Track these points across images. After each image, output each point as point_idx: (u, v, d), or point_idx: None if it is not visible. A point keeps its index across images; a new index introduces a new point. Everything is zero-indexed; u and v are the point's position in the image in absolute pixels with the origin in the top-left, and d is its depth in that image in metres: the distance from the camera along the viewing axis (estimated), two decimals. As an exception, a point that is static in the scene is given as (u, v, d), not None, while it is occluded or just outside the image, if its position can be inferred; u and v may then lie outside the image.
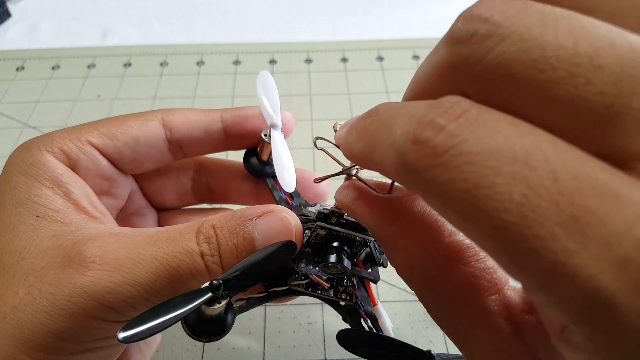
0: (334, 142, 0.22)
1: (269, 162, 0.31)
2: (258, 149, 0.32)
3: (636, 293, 0.10)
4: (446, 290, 0.18)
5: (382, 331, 0.27)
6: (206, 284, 0.20)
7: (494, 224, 0.11)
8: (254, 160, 0.32)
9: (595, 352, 0.11)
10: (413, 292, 0.20)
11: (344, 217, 0.24)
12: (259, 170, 0.32)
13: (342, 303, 0.27)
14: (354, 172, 0.24)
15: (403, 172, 0.14)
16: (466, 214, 0.12)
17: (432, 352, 0.23)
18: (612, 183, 0.11)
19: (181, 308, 0.19)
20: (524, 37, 0.13)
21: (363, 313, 0.27)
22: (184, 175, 0.34)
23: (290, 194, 0.30)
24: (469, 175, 0.12)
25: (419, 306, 0.40)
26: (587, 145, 0.12)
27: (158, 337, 0.33)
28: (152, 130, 0.29)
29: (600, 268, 0.10)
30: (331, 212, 0.24)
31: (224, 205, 0.37)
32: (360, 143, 0.18)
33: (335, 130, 0.24)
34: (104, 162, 0.28)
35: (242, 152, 0.33)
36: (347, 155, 0.20)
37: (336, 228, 0.24)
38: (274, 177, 0.31)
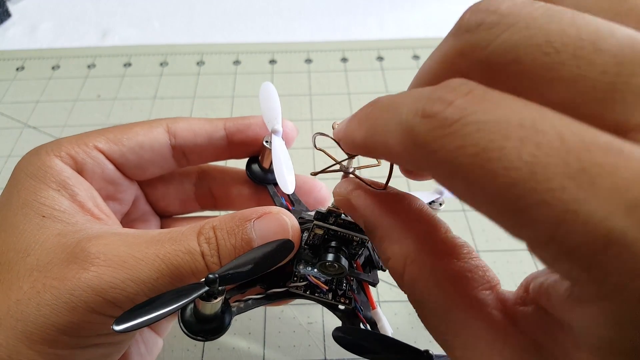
0: (333, 138, 0.22)
1: (270, 170, 0.32)
2: (260, 157, 0.32)
3: None
4: (439, 283, 0.18)
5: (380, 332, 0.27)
6: (203, 279, 0.20)
7: (503, 182, 0.12)
8: (255, 167, 0.33)
9: (608, 298, 0.11)
10: (402, 290, 0.20)
11: (342, 217, 0.24)
12: (260, 177, 0.32)
13: (341, 307, 0.27)
14: (351, 169, 0.24)
15: (411, 147, 0.15)
16: (474, 178, 0.13)
17: (430, 351, 0.23)
18: (616, 143, 0.11)
19: (177, 300, 0.19)
20: (529, 25, 0.14)
21: (362, 317, 0.27)
22: (187, 181, 0.35)
23: (291, 200, 0.31)
24: (478, 140, 0.13)
25: (419, 306, 0.40)
26: (590, 121, 0.12)
27: (160, 342, 0.33)
28: (157, 136, 0.30)
29: (611, 211, 0.11)
30: (329, 212, 0.24)
31: (227, 212, 0.38)
32: (362, 129, 0.18)
33: (333, 129, 0.24)
34: (109, 166, 0.29)
35: (244, 160, 0.34)
36: (348, 145, 0.20)
37: (333, 227, 0.24)
38: (275, 184, 0.32)
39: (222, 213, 0.38)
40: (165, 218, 0.36)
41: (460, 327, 0.17)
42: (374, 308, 0.27)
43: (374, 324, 0.27)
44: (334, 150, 0.24)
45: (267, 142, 0.31)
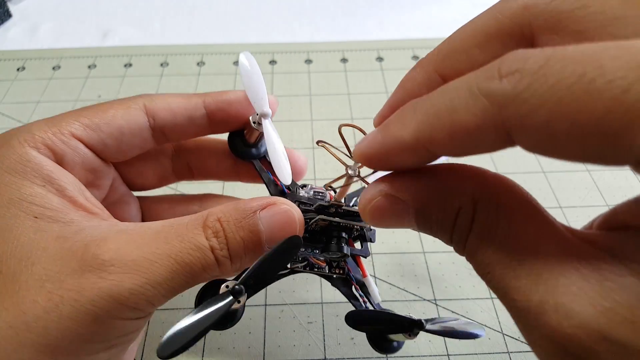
0: (350, 159, 0.23)
1: (255, 145, 0.31)
2: (245, 132, 0.31)
3: None
4: (506, 205, 0.17)
5: (370, 295, 0.30)
6: (225, 288, 0.21)
7: (610, 96, 0.12)
8: (239, 142, 0.32)
9: None
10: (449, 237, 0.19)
11: (342, 207, 0.27)
12: (245, 153, 0.32)
13: (335, 276, 0.31)
14: (356, 174, 0.24)
15: (493, 113, 0.14)
16: (579, 107, 0.12)
17: (423, 320, 0.26)
18: None
19: (211, 318, 0.20)
20: None
21: (354, 282, 0.31)
22: (164, 156, 0.34)
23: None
24: (576, 67, 0.12)
25: (418, 305, 0.41)
26: None
27: (141, 334, 0.33)
28: (136, 119, 0.28)
29: None
30: (330, 205, 0.27)
31: (205, 181, 0.37)
32: (412, 123, 0.17)
33: (340, 133, 0.24)
34: (89, 154, 0.27)
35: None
36: (392, 152, 0.18)
37: (337, 220, 0.27)
38: (261, 158, 0.31)
39: (204, 195, 0.37)
40: (144, 199, 0.35)
41: (528, 247, 0.16)
42: (365, 276, 0.30)
43: (363, 285, 0.31)
44: (333, 149, 0.24)
45: (254, 122, 0.30)
